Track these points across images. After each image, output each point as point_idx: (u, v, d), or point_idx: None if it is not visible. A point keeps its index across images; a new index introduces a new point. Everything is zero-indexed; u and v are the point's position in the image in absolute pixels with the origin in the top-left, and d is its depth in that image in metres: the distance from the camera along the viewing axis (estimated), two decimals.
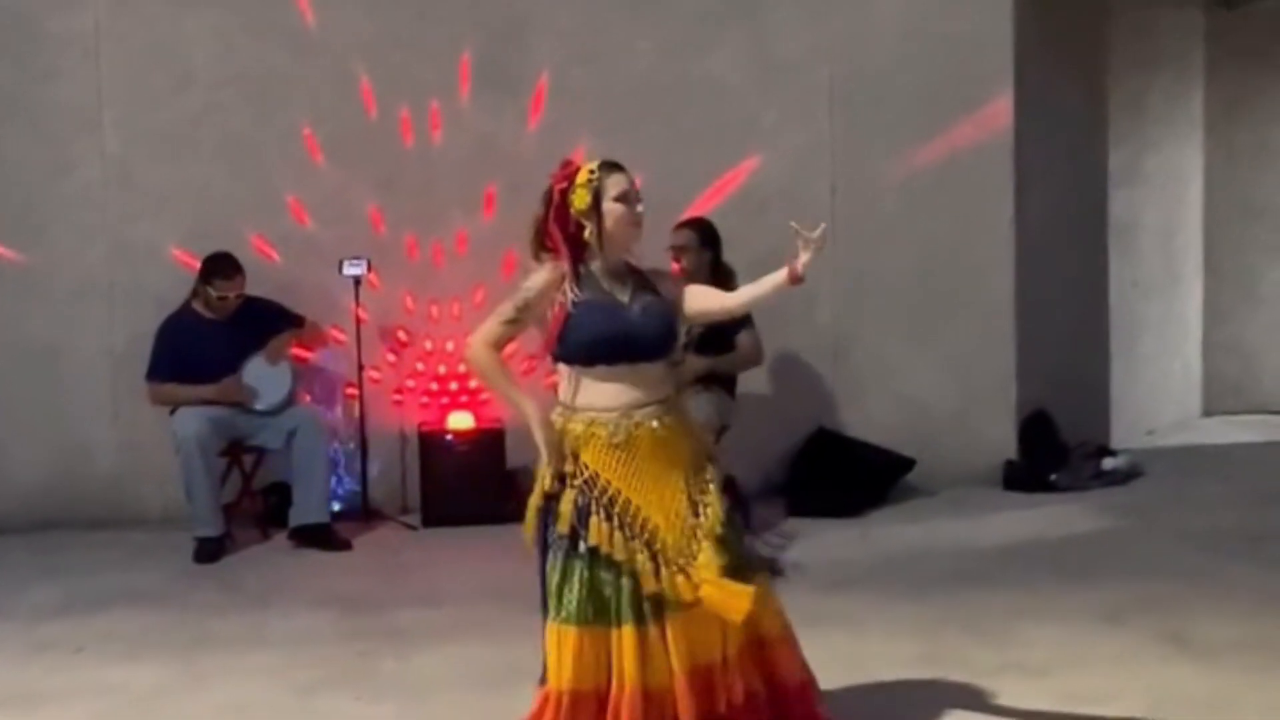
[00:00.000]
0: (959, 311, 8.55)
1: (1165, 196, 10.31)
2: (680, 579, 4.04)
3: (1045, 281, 8.84)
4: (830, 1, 8.47)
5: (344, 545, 7.55)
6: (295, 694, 5.25)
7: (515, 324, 4.33)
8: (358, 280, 7.99)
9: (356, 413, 8.17)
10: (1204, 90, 10.52)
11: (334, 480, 8.09)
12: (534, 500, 4.26)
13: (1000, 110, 8.47)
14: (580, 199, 4.24)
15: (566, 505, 4.14)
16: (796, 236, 4.07)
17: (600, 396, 4.19)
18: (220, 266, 7.59)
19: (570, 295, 4.22)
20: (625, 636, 4.07)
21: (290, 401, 7.74)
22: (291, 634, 6.05)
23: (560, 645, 4.09)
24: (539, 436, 4.19)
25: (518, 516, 7.93)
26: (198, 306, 7.68)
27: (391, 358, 8.36)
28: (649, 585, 4.04)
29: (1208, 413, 10.75)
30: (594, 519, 4.10)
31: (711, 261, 7.53)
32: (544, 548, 4.22)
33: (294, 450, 7.59)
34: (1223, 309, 10.74)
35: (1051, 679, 5.08)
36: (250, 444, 7.77)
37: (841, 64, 8.46)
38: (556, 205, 4.29)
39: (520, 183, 8.13)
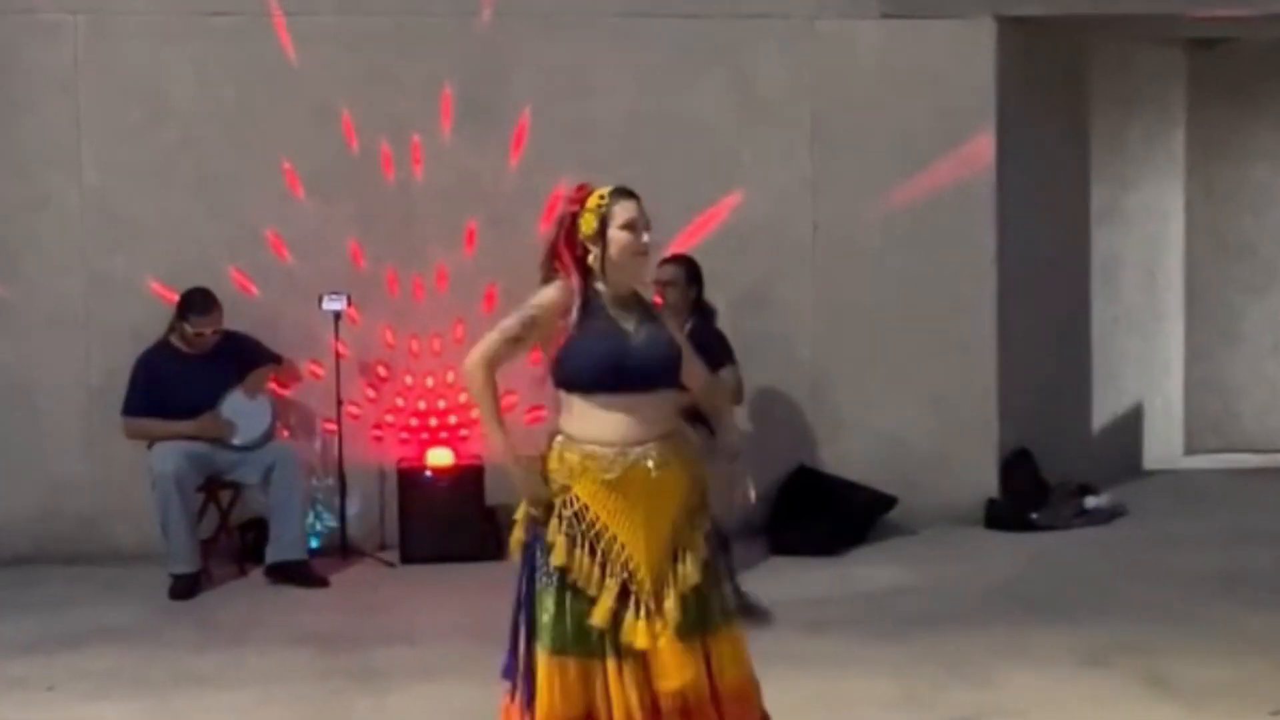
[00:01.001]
0: (940, 349, 8.54)
1: (1146, 234, 10.33)
2: (641, 624, 4.02)
3: (1027, 319, 8.84)
4: (812, 39, 8.47)
5: (321, 582, 7.50)
6: None
7: (518, 342, 4.27)
8: (337, 315, 7.96)
9: (335, 448, 8.12)
10: (1185, 129, 10.55)
11: (312, 516, 8.04)
12: (517, 534, 4.22)
13: (981, 148, 8.49)
14: (587, 224, 4.23)
15: (558, 538, 4.09)
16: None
17: (599, 428, 4.14)
18: (197, 302, 7.55)
19: (575, 317, 4.19)
20: (610, 669, 4.04)
21: (269, 436, 7.69)
22: (267, 671, 5.99)
23: (551, 676, 4.04)
24: (514, 475, 4.15)
25: (497, 554, 7.97)
26: (175, 341, 7.63)
27: (371, 393, 8.32)
28: (598, 619, 4.02)
29: (1190, 450, 10.74)
30: (578, 552, 4.07)
31: (695, 299, 7.53)
32: (529, 580, 4.17)
33: (272, 486, 7.53)
34: (1203, 347, 10.75)
35: None
36: (227, 479, 7.71)
37: (823, 101, 8.46)
38: (567, 228, 4.27)
39: (501, 218, 8.20)
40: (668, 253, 7.77)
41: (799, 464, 8.42)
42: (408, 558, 7.95)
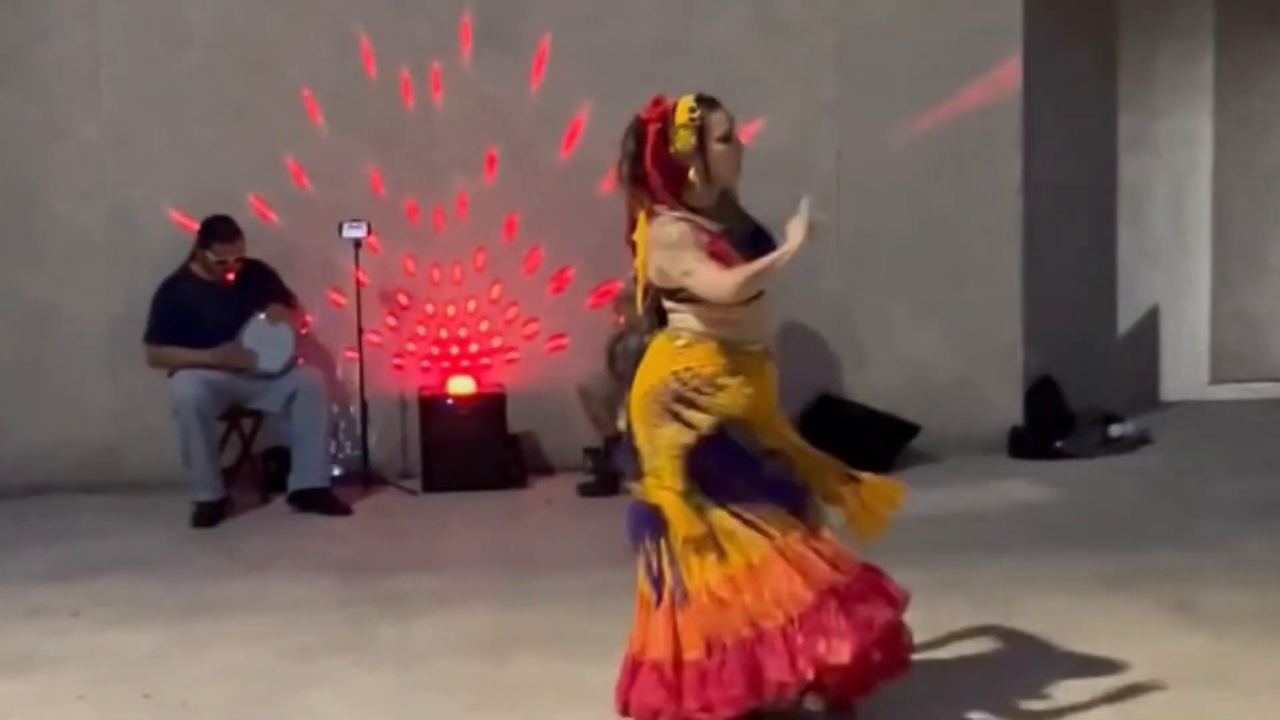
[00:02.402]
0: (965, 277, 8.47)
1: (1174, 163, 10.21)
2: None
3: (1053, 247, 8.78)
4: None
5: (343, 510, 7.51)
6: (293, 659, 5.20)
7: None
8: (358, 243, 7.93)
9: (356, 377, 8.11)
10: (1214, 56, 10.39)
11: (334, 445, 8.04)
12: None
13: (1008, 73, 8.38)
14: (683, 140, 4.14)
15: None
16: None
17: (726, 328, 4.18)
18: (219, 230, 7.52)
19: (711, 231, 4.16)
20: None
21: (291, 364, 7.68)
22: (290, 599, 6.00)
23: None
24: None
25: (518, 482, 7.98)
26: (196, 269, 7.61)
27: (392, 321, 8.30)
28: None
29: (1215, 380, 10.66)
30: None
31: None
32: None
33: (294, 414, 7.53)
34: (1232, 277, 10.64)
35: (1055, 646, 5.03)
36: (249, 408, 7.71)
37: (846, 26, 8.37)
38: (655, 145, 4.16)
39: (522, 145, 8.15)
40: None
41: (823, 392, 8.39)
42: (429, 485, 7.96)
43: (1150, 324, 10.08)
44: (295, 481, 7.55)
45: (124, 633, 5.56)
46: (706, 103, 4.20)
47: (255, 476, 7.89)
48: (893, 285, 8.48)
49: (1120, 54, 9.54)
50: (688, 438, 4.12)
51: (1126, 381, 9.62)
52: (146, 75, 8.10)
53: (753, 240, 4.36)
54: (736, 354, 4.19)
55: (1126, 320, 9.81)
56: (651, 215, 4.19)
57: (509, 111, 8.17)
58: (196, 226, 7.67)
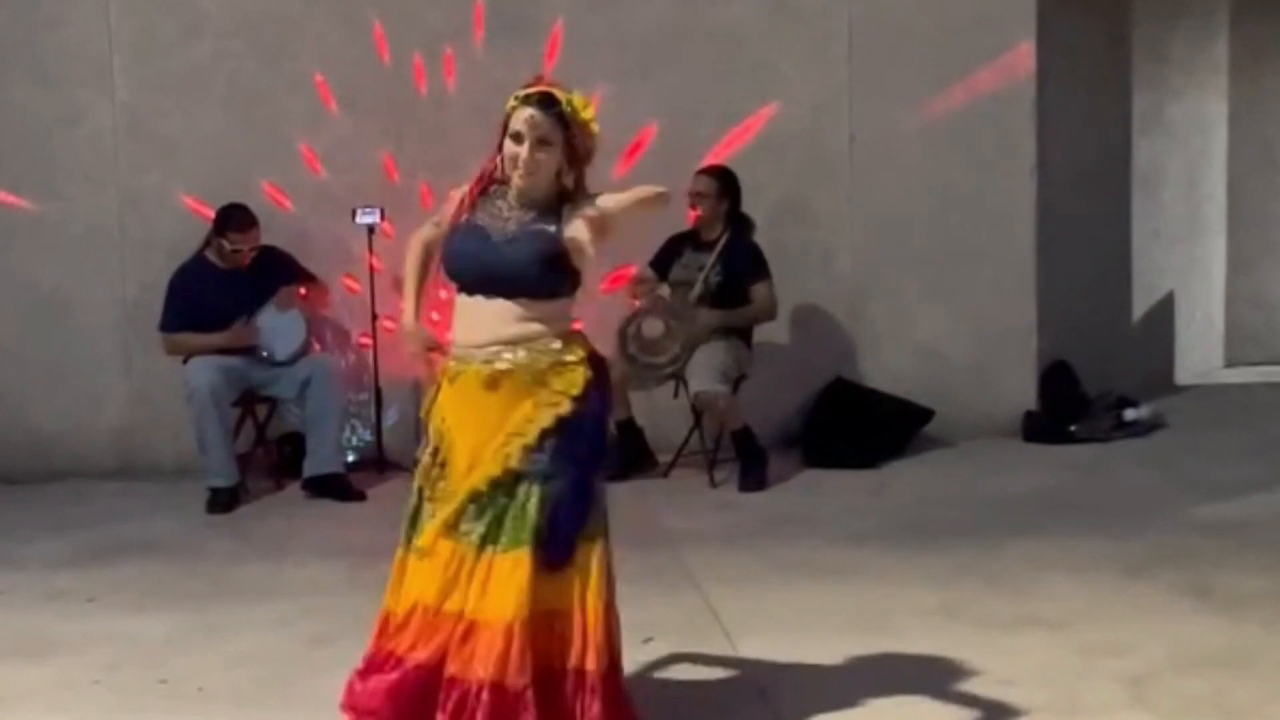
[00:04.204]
0: (979, 261, 8.45)
1: (1188, 145, 10.19)
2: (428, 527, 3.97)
3: (1066, 231, 8.75)
4: None
5: (358, 496, 7.51)
6: (308, 644, 5.20)
7: (437, 227, 4.25)
8: (371, 229, 7.93)
9: (370, 362, 8.11)
10: (1228, 37, 10.37)
11: (348, 430, 8.05)
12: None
13: (1022, 56, 8.35)
14: (502, 128, 4.05)
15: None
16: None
17: (459, 330, 4.07)
18: (236, 219, 7.52)
19: (460, 216, 4.10)
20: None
21: (304, 351, 7.69)
22: (305, 584, 6.01)
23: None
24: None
25: None
26: (210, 256, 7.61)
27: None
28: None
29: (1230, 363, 10.66)
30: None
31: (729, 210, 7.48)
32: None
33: (308, 400, 7.54)
34: (1246, 259, 10.64)
35: (1070, 631, 5.01)
36: (264, 394, 7.72)
37: (860, 9, 8.34)
38: (504, 120, 4.05)
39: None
40: (703, 164, 7.72)
41: (836, 376, 8.38)
42: None
43: (1164, 307, 10.06)
44: (310, 467, 7.56)
45: (140, 618, 5.57)
46: (524, 99, 4.00)
47: (270, 462, 7.90)
48: (906, 269, 8.47)
49: (1134, 36, 9.51)
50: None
51: (1141, 365, 9.60)
52: (160, 62, 8.11)
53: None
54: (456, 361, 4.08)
55: (1141, 304, 9.79)
56: None
57: None
58: (210, 213, 7.68)
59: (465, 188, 4.15)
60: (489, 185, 4.12)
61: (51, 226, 8.12)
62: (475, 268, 4.04)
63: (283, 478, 7.82)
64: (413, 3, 8.17)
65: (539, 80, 4.10)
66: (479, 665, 3.80)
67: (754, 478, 7.38)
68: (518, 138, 3.98)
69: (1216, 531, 6.31)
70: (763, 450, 7.52)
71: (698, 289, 7.49)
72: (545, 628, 3.86)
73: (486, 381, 3.96)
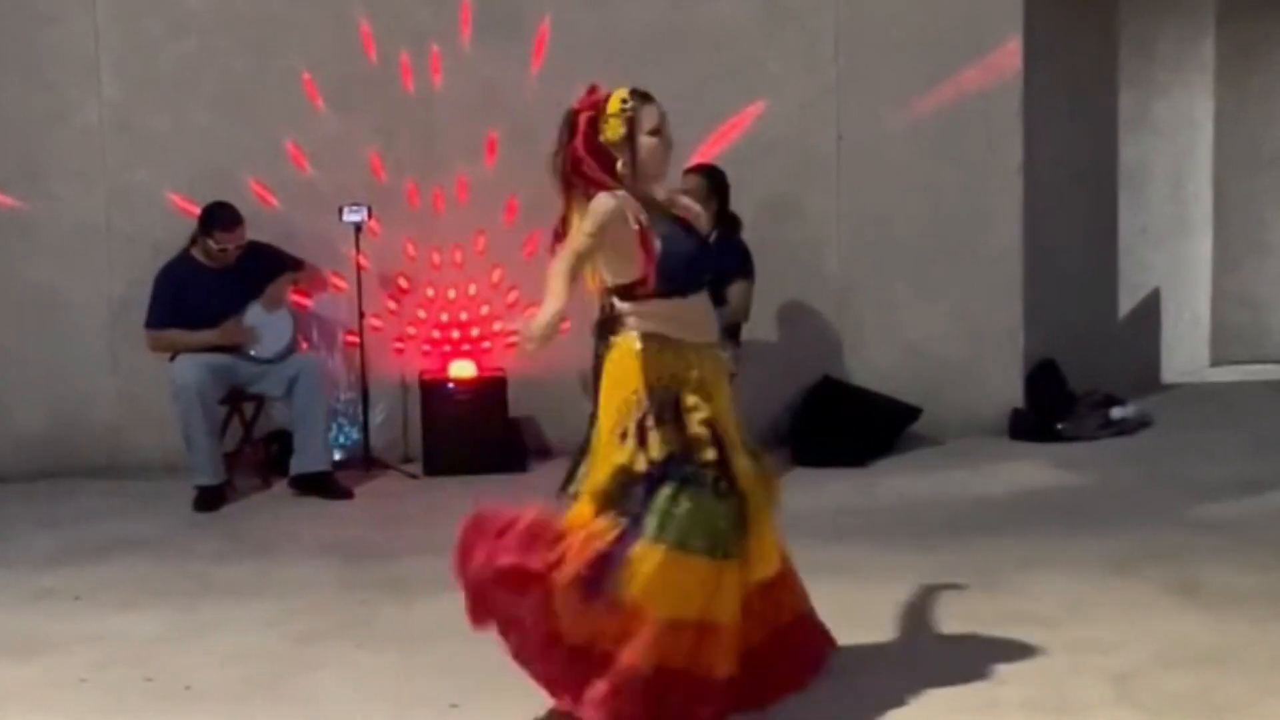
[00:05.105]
0: (966, 259, 8.46)
1: (1175, 143, 10.20)
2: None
3: (1053, 229, 8.76)
4: None
5: (345, 494, 7.51)
6: (295, 643, 5.21)
7: (591, 238, 4.11)
8: (358, 227, 7.91)
9: (357, 361, 8.11)
10: (1215, 35, 10.38)
11: (335, 429, 8.04)
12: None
13: (1009, 54, 8.36)
14: (613, 129, 4.15)
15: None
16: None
17: (679, 327, 4.18)
18: (222, 217, 7.50)
19: (646, 219, 4.13)
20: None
21: (291, 349, 7.68)
22: (292, 583, 6.00)
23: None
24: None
25: (519, 466, 7.97)
26: (196, 254, 7.60)
27: (392, 305, 8.29)
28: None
29: (1216, 362, 10.67)
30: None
31: (718, 209, 7.47)
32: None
33: (295, 398, 7.53)
34: (1232, 258, 10.65)
35: (1058, 629, 5.02)
36: (251, 392, 7.71)
37: (848, 8, 8.34)
38: (585, 134, 4.16)
39: (522, 128, 8.11)
40: (691, 163, 7.71)
41: (824, 375, 8.37)
42: (430, 469, 7.96)
43: (1151, 306, 10.07)
44: (297, 465, 7.55)
45: (127, 616, 5.57)
46: (639, 95, 4.21)
47: (257, 460, 7.90)
48: (893, 267, 8.47)
49: (1121, 34, 9.52)
50: (640, 465, 4.10)
51: (1127, 363, 9.61)
52: (147, 59, 8.09)
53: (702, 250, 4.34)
54: (685, 351, 4.19)
55: (1127, 302, 9.80)
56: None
57: (509, 95, 8.15)
58: (197, 210, 7.66)
59: (616, 205, 4.11)
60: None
61: (39, 224, 8.09)
62: (703, 269, 4.27)
63: (270, 476, 7.82)
64: (400, 0, 8.16)
65: (594, 90, 4.28)
66: None
67: None
68: (657, 132, 4.18)
69: (1203, 529, 6.33)
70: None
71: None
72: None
73: (727, 377, 4.26)
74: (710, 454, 4.09)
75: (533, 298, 8.24)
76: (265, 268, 7.69)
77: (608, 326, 4.30)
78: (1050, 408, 8.54)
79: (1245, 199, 10.64)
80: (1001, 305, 8.50)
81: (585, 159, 4.18)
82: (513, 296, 8.28)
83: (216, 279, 7.54)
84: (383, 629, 5.37)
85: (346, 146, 8.16)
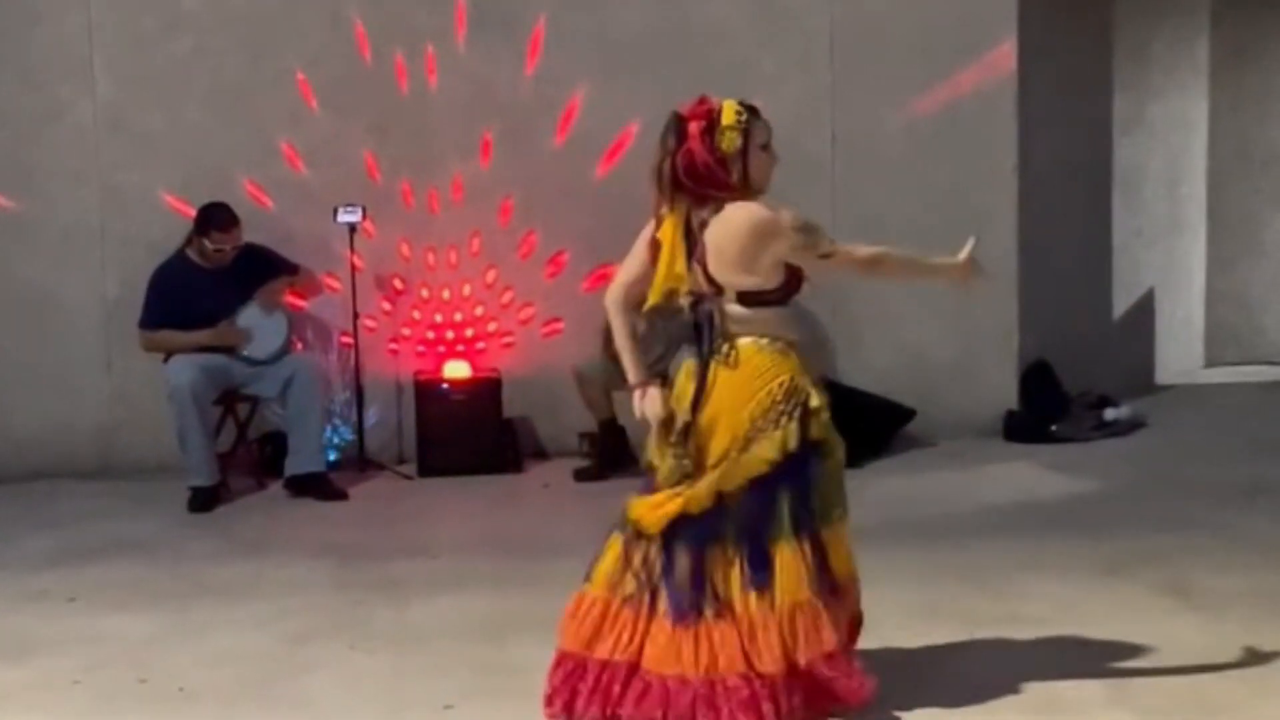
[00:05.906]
0: None
1: (1169, 144, 10.20)
2: None
3: (1048, 230, 8.76)
4: None
5: (340, 495, 7.51)
6: (290, 643, 5.20)
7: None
8: (352, 227, 7.91)
9: (352, 361, 8.10)
10: (1209, 37, 10.38)
11: (330, 429, 8.04)
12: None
13: (1003, 55, 8.36)
14: (729, 141, 4.19)
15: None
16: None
17: (797, 330, 4.38)
18: (217, 218, 7.49)
19: None
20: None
21: (286, 350, 7.67)
22: (287, 583, 6.00)
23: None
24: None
25: (514, 466, 7.97)
26: (191, 254, 7.59)
27: (387, 306, 8.29)
28: None
29: (1210, 363, 10.67)
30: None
31: None
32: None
33: (289, 399, 7.53)
34: (1226, 259, 10.65)
35: (1051, 630, 5.03)
36: (245, 392, 7.70)
37: (842, 8, 8.34)
38: (704, 141, 4.19)
39: (517, 128, 8.14)
40: None
41: (818, 375, 8.35)
42: (425, 470, 7.96)
43: (1145, 307, 10.07)
44: (291, 466, 7.55)
45: (121, 617, 5.56)
46: (751, 109, 4.27)
47: (251, 461, 7.88)
48: None
49: (1116, 35, 9.53)
50: (776, 455, 4.24)
51: (1121, 365, 9.61)
52: (140, 59, 8.08)
53: None
54: (801, 354, 4.35)
55: (1121, 303, 9.80)
56: (715, 208, 4.23)
57: (504, 95, 8.15)
58: (191, 211, 7.66)
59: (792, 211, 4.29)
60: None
61: (32, 224, 8.08)
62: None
63: (264, 477, 7.80)
64: (394, 0, 8.15)
65: (704, 100, 4.34)
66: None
67: None
68: (767, 147, 4.29)
69: (1196, 531, 6.33)
70: None
71: None
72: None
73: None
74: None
75: (527, 297, 8.26)
76: (261, 270, 7.68)
77: (706, 331, 4.35)
78: (1044, 409, 8.54)
79: (1239, 200, 10.63)
80: (996, 306, 8.48)
81: (712, 165, 4.19)
82: (507, 297, 8.27)
83: (211, 279, 7.53)
84: (377, 630, 5.36)
85: (341, 146, 8.16)
